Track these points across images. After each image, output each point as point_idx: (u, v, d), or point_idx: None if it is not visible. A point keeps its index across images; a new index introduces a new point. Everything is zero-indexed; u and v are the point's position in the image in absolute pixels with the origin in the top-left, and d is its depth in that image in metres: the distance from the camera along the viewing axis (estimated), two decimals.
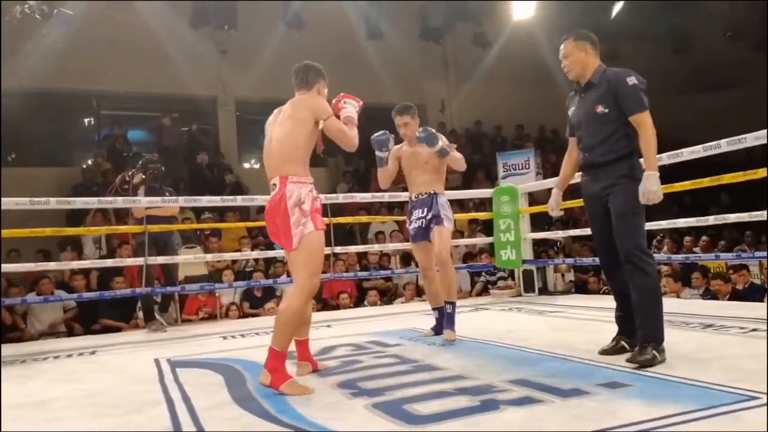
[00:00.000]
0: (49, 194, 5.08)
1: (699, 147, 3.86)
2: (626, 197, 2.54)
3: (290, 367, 2.55)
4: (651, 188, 2.50)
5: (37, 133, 9.24)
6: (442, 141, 3.49)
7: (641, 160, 2.62)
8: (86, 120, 10.00)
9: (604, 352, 2.64)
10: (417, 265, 3.96)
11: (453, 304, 3.47)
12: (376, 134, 3.38)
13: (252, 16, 9.03)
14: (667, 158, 4.07)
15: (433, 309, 3.66)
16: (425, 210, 3.52)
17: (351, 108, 2.75)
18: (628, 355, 2.50)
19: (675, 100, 11.67)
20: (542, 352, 2.83)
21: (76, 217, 6.99)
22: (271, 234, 2.66)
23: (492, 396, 2.10)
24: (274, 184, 2.56)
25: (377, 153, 3.44)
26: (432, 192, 3.55)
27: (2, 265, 4.37)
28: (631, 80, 2.57)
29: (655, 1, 9.52)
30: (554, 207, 3.01)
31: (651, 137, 2.53)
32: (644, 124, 2.54)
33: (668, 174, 6.37)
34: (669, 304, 4.49)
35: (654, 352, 2.40)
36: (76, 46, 7.71)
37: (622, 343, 2.64)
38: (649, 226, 4.86)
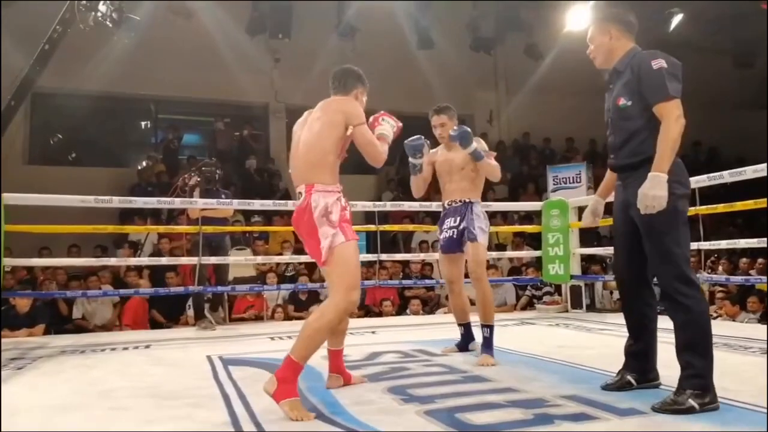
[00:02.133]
0: (106, 193, 5.31)
1: (763, 165, 3.73)
2: (658, 214, 2.06)
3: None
4: (650, 192, 2.03)
5: (97, 134, 9.68)
6: (478, 144, 3.22)
7: (679, 161, 2.15)
8: (143, 123, 10.40)
9: (607, 387, 2.32)
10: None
11: (491, 327, 3.16)
12: (410, 139, 3.13)
13: (305, 25, 9.21)
14: (729, 176, 3.95)
15: (459, 325, 3.46)
16: (458, 219, 3.28)
17: (387, 126, 2.55)
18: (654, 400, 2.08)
19: (735, 116, 11.28)
20: (594, 370, 2.78)
21: (129, 216, 7.25)
22: (306, 246, 2.48)
23: (545, 410, 2.08)
24: (300, 193, 2.37)
25: (411, 159, 3.21)
26: (467, 200, 3.29)
27: (65, 260, 4.61)
28: (657, 63, 2.11)
29: (719, 14, 9.23)
30: (588, 215, 2.59)
31: (672, 131, 2.05)
32: (668, 114, 2.07)
33: (726, 193, 6.18)
34: (726, 327, 4.39)
35: (692, 401, 2.00)
36: (137, 52, 8.02)
37: (628, 377, 2.32)
38: (707, 246, 4.76)
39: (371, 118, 2.53)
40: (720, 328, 4.25)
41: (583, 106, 10.68)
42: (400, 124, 2.58)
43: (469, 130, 3.16)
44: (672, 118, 2.07)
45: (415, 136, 3.13)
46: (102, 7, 4.55)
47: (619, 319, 4.94)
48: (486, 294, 3.20)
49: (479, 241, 3.20)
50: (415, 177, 3.32)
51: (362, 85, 2.57)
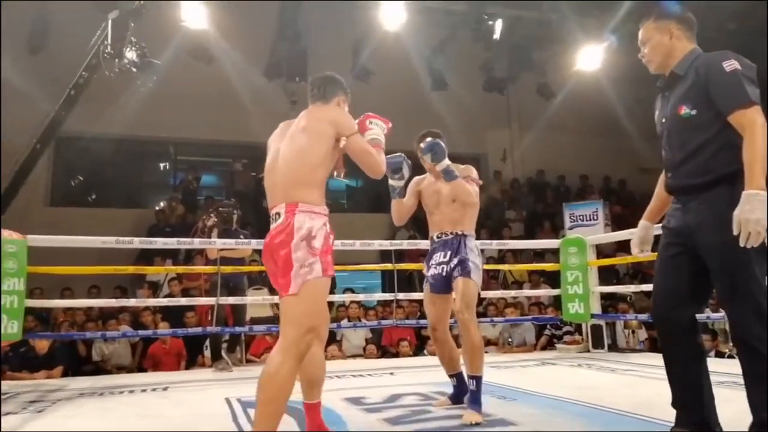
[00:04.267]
0: (124, 234, 5.38)
1: None
2: (733, 244, 1.75)
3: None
4: (752, 216, 1.69)
5: (116, 176, 9.89)
6: (455, 167, 2.90)
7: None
8: (162, 165, 10.60)
9: None
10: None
11: (478, 379, 2.74)
12: (388, 156, 2.72)
13: (321, 68, 9.39)
14: None
15: (450, 376, 3.04)
16: (449, 254, 2.90)
17: (378, 129, 2.29)
18: None
19: None
20: (620, 412, 2.71)
21: (146, 257, 7.30)
22: (271, 275, 2.13)
23: None
24: (278, 214, 2.04)
25: (390, 181, 2.89)
26: (459, 232, 2.92)
27: (87, 301, 4.65)
28: (730, 65, 1.84)
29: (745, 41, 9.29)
30: (636, 243, 2.25)
31: (759, 141, 1.76)
32: (750, 122, 1.78)
33: None
34: None
35: None
36: (156, 96, 8.25)
37: None
38: None
39: (357, 121, 2.31)
40: None
41: (594, 144, 10.80)
42: (390, 124, 2.35)
43: (441, 143, 2.85)
44: (757, 127, 1.78)
45: (395, 154, 2.79)
46: (129, 53, 4.73)
47: (642, 358, 4.87)
48: (474, 342, 2.78)
49: (472, 277, 2.82)
50: (395, 201, 3.00)
51: (344, 93, 2.35)
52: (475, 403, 2.71)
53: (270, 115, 9.78)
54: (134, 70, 4.74)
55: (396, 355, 6.14)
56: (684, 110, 1.93)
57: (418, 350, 6.40)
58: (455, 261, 2.87)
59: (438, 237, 2.98)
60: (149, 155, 10.46)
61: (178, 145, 10.27)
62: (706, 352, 2.07)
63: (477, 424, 2.53)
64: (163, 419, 2.89)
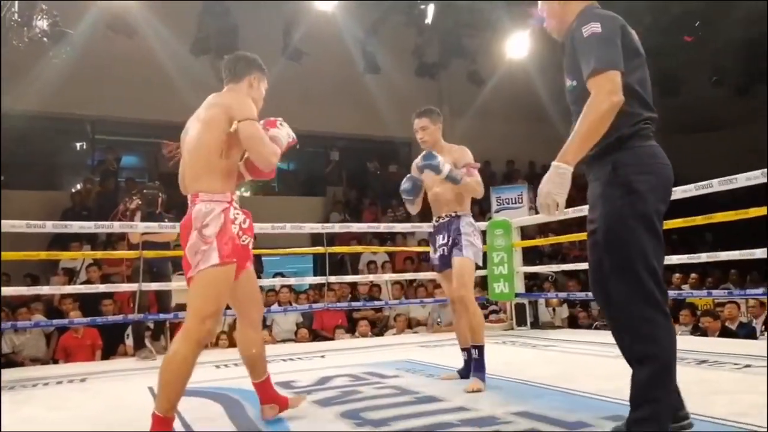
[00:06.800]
0: (37, 218, 5.03)
1: (691, 186, 3.96)
2: (608, 218, 1.66)
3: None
4: (543, 187, 1.64)
5: (28, 156, 9.22)
6: (453, 161, 3.05)
7: (644, 146, 1.74)
8: (78, 144, 10.00)
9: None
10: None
11: (480, 348, 2.95)
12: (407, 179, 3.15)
13: (252, 47, 9.12)
14: None
15: (462, 350, 3.17)
16: (446, 236, 3.09)
17: (284, 131, 2.26)
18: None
19: (663, 142, 11.96)
20: (541, 385, 2.84)
21: (61, 243, 6.89)
22: (184, 264, 2.13)
23: (497, 428, 2.11)
24: (189, 204, 2.13)
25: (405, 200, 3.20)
26: (453, 214, 3.10)
27: None
28: (588, 29, 1.65)
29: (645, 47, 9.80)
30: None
31: (593, 110, 1.60)
32: (597, 88, 1.61)
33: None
34: None
35: None
36: (73, 71, 7.76)
37: None
38: None
39: (265, 120, 2.27)
40: None
41: (522, 130, 11.16)
42: (295, 140, 2.32)
43: (436, 155, 2.97)
44: (597, 95, 1.60)
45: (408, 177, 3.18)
46: (39, 22, 4.38)
47: (561, 334, 5.12)
48: (475, 316, 2.97)
49: (466, 254, 3.00)
50: (409, 206, 3.28)
51: (258, 71, 2.29)
52: (479, 370, 2.90)
53: (197, 92, 9.18)
54: (45, 40, 4.40)
55: (327, 338, 6.15)
56: (568, 82, 1.81)
57: (349, 332, 6.43)
58: (450, 241, 3.08)
59: (437, 221, 3.18)
60: (64, 133, 9.82)
61: (95, 123, 9.70)
62: (662, 323, 1.76)
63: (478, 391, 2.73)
64: (80, 411, 2.75)
